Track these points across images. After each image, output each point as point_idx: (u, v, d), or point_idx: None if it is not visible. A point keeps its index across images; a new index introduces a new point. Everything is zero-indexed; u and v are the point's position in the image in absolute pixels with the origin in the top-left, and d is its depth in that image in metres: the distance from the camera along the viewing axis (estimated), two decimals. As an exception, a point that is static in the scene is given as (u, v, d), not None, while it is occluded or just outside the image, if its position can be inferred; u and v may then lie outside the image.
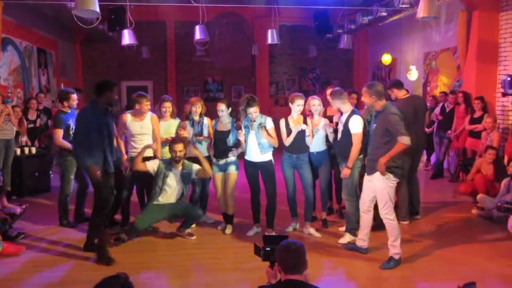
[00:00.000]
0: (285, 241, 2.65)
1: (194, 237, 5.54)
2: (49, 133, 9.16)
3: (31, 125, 8.58)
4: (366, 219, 4.90)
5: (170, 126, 5.93)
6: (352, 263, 4.80)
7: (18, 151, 7.81)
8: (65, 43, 12.78)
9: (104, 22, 10.52)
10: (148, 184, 5.68)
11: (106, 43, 13.08)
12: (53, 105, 10.18)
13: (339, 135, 5.31)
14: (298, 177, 5.61)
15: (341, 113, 5.39)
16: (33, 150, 8.11)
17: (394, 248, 4.62)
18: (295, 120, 5.52)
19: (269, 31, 9.55)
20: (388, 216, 4.63)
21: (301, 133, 5.45)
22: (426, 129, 8.58)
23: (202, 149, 5.76)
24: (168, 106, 5.94)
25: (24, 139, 8.26)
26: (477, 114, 7.99)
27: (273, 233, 5.40)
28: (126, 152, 5.75)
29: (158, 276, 4.54)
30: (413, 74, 10.77)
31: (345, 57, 14.50)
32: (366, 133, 5.13)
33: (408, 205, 6.10)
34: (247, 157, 5.52)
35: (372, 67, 13.82)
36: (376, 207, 4.79)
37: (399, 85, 6.26)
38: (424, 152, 9.17)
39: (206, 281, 4.42)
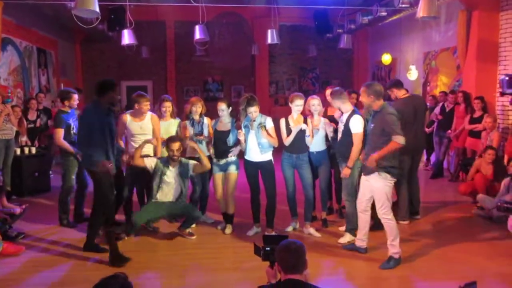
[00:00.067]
0: (285, 241, 2.65)
1: (194, 237, 5.55)
2: (49, 133, 9.18)
3: (31, 125, 8.59)
4: (363, 219, 4.91)
5: (170, 126, 5.93)
6: (352, 262, 4.80)
7: (18, 151, 7.82)
8: (65, 43, 12.78)
9: (104, 22, 10.51)
10: (148, 184, 5.67)
11: (106, 43, 13.08)
12: (53, 105, 10.17)
13: (339, 135, 5.31)
14: (298, 177, 5.61)
15: (341, 113, 5.40)
16: (33, 150, 8.12)
17: (394, 248, 4.63)
18: (295, 120, 5.53)
19: (269, 31, 9.55)
20: (385, 216, 4.64)
21: (301, 133, 5.45)
22: (426, 129, 8.58)
23: (202, 149, 5.76)
24: (168, 106, 5.94)
25: (24, 139, 8.26)
26: (477, 114, 7.99)
27: (273, 233, 5.41)
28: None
29: (158, 276, 4.54)
30: (413, 74, 10.77)
31: (345, 57, 14.50)
32: (366, 133, 5.13)
33: (408, 205, 6.10)
34: (247, 157, 5.52)
35: (372, 67, 13.82)
36: (374, 207, 4.79)
37: (398, 85, 6.26)
38: (424, 151, 9.17)
39: (206, 281, 4.42)
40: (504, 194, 6.06)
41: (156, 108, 6.11)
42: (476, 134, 7.92)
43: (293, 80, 14.97)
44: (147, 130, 5.68)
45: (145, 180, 5.71)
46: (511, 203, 5.60)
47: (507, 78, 3.39)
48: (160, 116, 5.93)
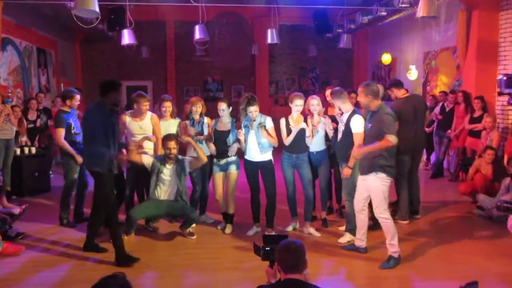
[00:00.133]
0: (285, 240, 2.64)
1: (194, 237, 5.55)
2: (49, 133, 9.19)
3: (31, 125, 8.59)
4: (361, 219, 4.91)
5: (170, 126, 5.93)
6: (352, 262, 4.81)
7: (18, 151, 7.82)
8: (65, 43, 12.78)
9: (104, 22, 10.51)
10: (149, 184, 5.67)
11: (106, 43, 13.08)
12: (52, 105, 10.16)
13: (339, 135, 5.30)
14: (298, 177, 5.61)
15: (341, 113, 5.40)
16: (33, 150, 8.12)
17: (393, 247, 4.63)
18: (295, 120, 5.53)
19: (269, 30, 9.55)
20: (382, 215, 4.65)
21: (301, 133, 5.45)
22: (426, 129, 8.59)
23: (203, 149, 5.76)
24: (168, 106, 5.94)
25: (24, 139, 8.27)
26: (477, 114, 7.99)
27: (273, 233, 5.41)
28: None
29: (158, 276, 4.54)
30: (413, 74, 10.76)
31: (345, 57, 14.50)
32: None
33: (408, 204, 6.10)
34: (247, 157, 5.52)
35: (372, 67, 13.82)
36: (371, 206, 4.80)
37: (398, 84, 6.27)
38: (424, 151, 9.18)
39: (206, 281, 4.42)
40: (504, 193, 6.06)
41: (156, 108, 6.12)
42: (476, 134, 7.92)
43: (293, 80, 14.97)
44: (147, 130, 5.69)
45: (146, 180, 5.71)
46: (511, 202, 5.60)
47: (505, 78, 3.40)
48: (160, 116, 5.93)
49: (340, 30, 11.19)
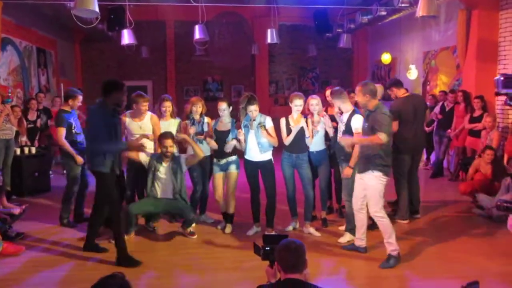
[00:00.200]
0: (285, 240, 2.64)
1: (195, 236, 5.54)
2: (49, 133, 9.18)
3: (31, 125, 8.59)
4: (360, 218, 4.91)
5: (170, 126, 5.93)
6: (352, 262, 4.81)
7: (18, 151, 7.82)
8: (65, 43, 12.78)
9: (104, 21, 10.49)
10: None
11: (106, 42, 13.07)
12: (51, 104, 10.14)
13: (340, 134, 5.30)
14: (298, 177, 5.61)
15: (341, 113, 5.40)
16: (33, 150, 8.12)
17: (391, 245, 4.63)
18: (295, 119, 5.53)
19: (269, 30, 9.55)
20: (377, 214, 4.66)
21: (301, 133, 5.45)
22: (426, 128, 8.59)
23: (203, 149, 5.77)
24: (168, 106, 5.94)
25: (24, 139, 8.27)
26: (477, 113, 7.99)
27: (273, 233, 5.41)
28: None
29: (158, 276, 4.54)
30: (413, 73, 10.77)
31: (345, 57, 14.50)
32: None
33: (408, 204, 6.10)
34: (247, 157, 5.53)
35: (372, 66, 13.82)
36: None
37: (398, 84, 6.27)
38: (424, 151, 9.18)
39: (206, 281, 4.42)
40: (504, 193, 6.06)
41: (156, 108, 6.11)
42: (476, 133, 7.93)
43: (293, 79, 14.97)
44: (147, 129, 5.69)
45: (146, 179, 5.70)
46: (510, 202, 5.60)
47: (502, 78, 3.41)
48: (160, 116, 5.93)
49: (340, 30, 11.19)
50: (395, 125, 5.91)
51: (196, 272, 4.61)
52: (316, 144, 5.60)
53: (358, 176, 4.81)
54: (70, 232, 5.77)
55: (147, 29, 12.95)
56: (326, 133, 5.63)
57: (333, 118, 5.65)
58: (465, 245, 5.28)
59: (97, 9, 5.42)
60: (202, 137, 5.75)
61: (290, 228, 5.79)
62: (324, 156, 5.71)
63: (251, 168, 5.52)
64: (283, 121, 5.58)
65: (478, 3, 8.15)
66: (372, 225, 5.27)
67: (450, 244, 5.29)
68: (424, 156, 9.59)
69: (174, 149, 5.85)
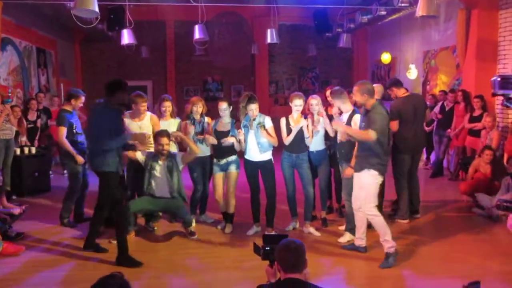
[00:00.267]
0: (285, 240, 2.64)
1: (196, 236, 5.54)
2: (49, 133, 9.18)
3: (31, 125, 8.59)
4: (360, 217, 4.91)
5: (170, 126, 5.92)
6: (352, 262, 4.81)
7: (18, 151, 7.82)
8: (65, 43, 12.78)
9: (104, 21, 10.49)
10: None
11: (106, 42, 13.07)
12: (50, 104, 10.13)
13: (339, 134, 5.30)
14: (297, 176, 5.61)
15: (341, 112, 5.40)
16: (33, 150, 8.12)
17: (387, 243, 4.64)
18: (295, 119, 5.53)
19: (269, 30, 9.55)
20: (370, 212, 4.68)
21: (301, 133, 5.44)
22: (426, 128, 8.59)
23: (203, 149, 5.77)
24: (168, 106, 5.94)
25: (23, 139, 8.27)
26: (477, 113, 7.99)
27: (273, 232, 5.41)
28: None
29: (158, 276, 4.54)
30: (413, 73, 10.77)
31: (345, 56, 14.50)
32: None
33: (408, 204, 6.10)
34: (246, 157, 5.53)
35: (372, 66, 13.82)
36: None
37: (398, 84, 6.27)
38: (424, 150, 9.18)
39: (206, 280, 4.42)
40: (504, 193, 6.07)
41: (156, 108, 6.11)
42: (475, 133, 7.93)
43: (293, 79, 14.97)
44: (147, 130, 5.67)
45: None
46: (510, 202, 5.60)
47: (499, 79, 3.40)
48: (160, 116, 5.93)
49: (339, 30, 11.18)
50: (395, 125, 5.93)
51: (196, 272, 4.62)
52: (316, 144, 5.60)
53: (355, 175, 4.82)
54: (70, 232, 5.77)
55: (147, 29, 12.95)
56: (326, 133, 5.63)
57: (331, 118, 5.65)
58: (465, 244, 5.29)
59: (97, 9, 5.42)
60: (202, 136, 5.75)
61: (290, 228, 5.79)
62: (324, 156, 5.71)
63: (251, 168, 5.52)
64: (283, 121, 5.58)
65: (478, 2, 8.15)
66: (372, 225, 5.26)
67: (450, 244, 5.29)
68: (424, 156, 9.60)
69: (174, 148, 5.86)
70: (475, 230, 5.82)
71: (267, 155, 5.48)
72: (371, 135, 4.50)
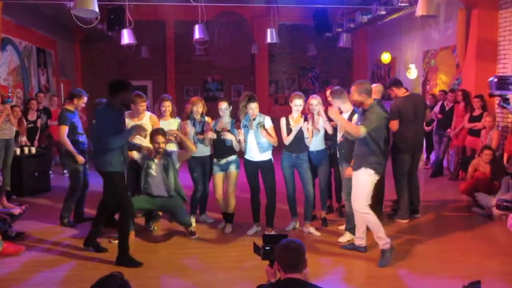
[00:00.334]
0: (285, 240, 2.64)
1: (195, 236, 5.54)
2: (49, 133, 9.19)
3: (31, 125, 8.60)
4: (360, 217, 4.91)
5: (170, 125, 5.92)
6: (352, 261, 4.81)
7: (18, 151, 7.82)
8: (65, 43, 12.78)
9: (104, 21, 10.51)
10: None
11: (106, 42, 13.08)
12: (49, 103, 10.13)
13: (339, 134, 5.30)
14: (297, 176, 5.61)
15: (341, 112, 5.39)
16: (33, 150, 8.12)
17: (381, 240, 4.65)
18: (295, 119, 5.53)
19: (269, 30, 9.55)
20: (362, 210, 4.69)
21: (301, 132, 5.45)
22: (426, 128, 8.60)
23: (203, 149, 5.77)
24: (167, 105, 5.94)
25: (23, 139, 8.27)
26: (477, 112, 8.00)
27: (273, 232, 5.41)
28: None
29: (158, 276, 4.54)
30: (413, 73, 10.77)
31: (345, 56, 14.50)
32: None
33: (408, 203, 6.11)
34: (247, 157, 5.53)
35: (372, 66, 13.82)
36: (370, 205, 4.80)
37: (398, 83, 6.27)
38: (424, 150, 9.19)
39: (207, 280, 4.42)
40: (505, 193, 6.07)
41: (156, 108, 6.11)
42: (475, 133, 7.93)
43: (293, 79, 14.97)
44: (147, 129, 5.68)
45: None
46: (510, 201, 5.60)
47: (495, 79, 3.40)
48: (160, 115, 5.94)
49: (339, 29, 11.19)
50: (395, 124, 5.93)
51: (196, 272, 4.62)
52: (316, 144, 5.60)
53: (354, 175, 4.83)
54: (70, 232, 5.77)
55: (147, 29, 12.95)
56: (326, 133, 5.63)
57: (331, 118, 5.65)
58: (465, 244, 5.29)
59: (97, 9, 5.42)
60: (202, 136, 5.75)
61: (290, 227, 5.79)
62: (324, 155, 5.71)
63: (251, 168, 5.52)
64: (283, 120, 5.58)
65: (478, 2, 8.15)
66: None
67: (450, 244, 5.29)
68: (424, 156, 9.60)
69: (175, 147, 5.85)
70: (475, 229, 5.83)
71: (267, 155, 5.48)
72: (361, 130, 4.53)
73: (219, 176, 5.70)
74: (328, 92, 5.94)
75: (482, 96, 7.95)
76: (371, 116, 4.57)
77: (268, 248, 2.80)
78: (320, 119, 5.52)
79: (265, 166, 5.47)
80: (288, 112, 5.65)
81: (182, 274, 4.58)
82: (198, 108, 5.80)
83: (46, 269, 4.67)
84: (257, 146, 5.39)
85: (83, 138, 6.00)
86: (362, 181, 4.69)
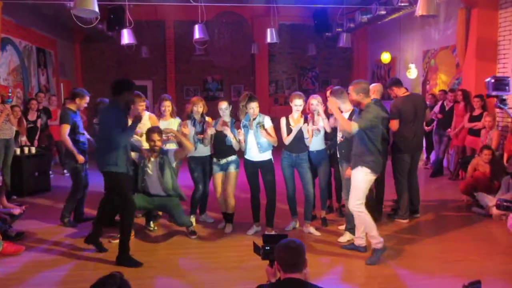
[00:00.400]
0: (285, 239, 2.64)
1: (195, 236, 5.54)
2: (49, 133, 9.19)
3: (31, 125, 8.60)
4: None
5: (170, 125, 5.92)
6: (352, 261, 4.81)
7: (18, 151, 7.82)
8: (64, 43, 12.78)
9: (103, 21, 10.52)
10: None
11: (106, 42, 13.09)
12: (48, 103, 10.12)
13: (339, 134, 5.30)
14: (297, 176, 5.61)
15: (341, 112, 5.39)
16: (33, 150, 8.12)
17: (374, 239, 4.66)
18: (295, 119, 5.53)
19: (268, 30, 9.55)
20: (356, 208, 4.70)
21: (301, 132, 5.44)
22: (426, 128, 8.60)
23: (203, 149, 5.77)
24: (167, 105, 5.94)
25: (23, 139, 8.27)
26: (477, 112, 8.00)
27: (273, 232, 5.41)
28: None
29: (158, 276, 4.54)
30: (412, 72, 10.77)
31: (345, 56, 14.51)
32: None
33: (408, 203, 6.11)
34: (246, 156, 5.53)
35: (372, 66, 13.82)
36: (367, 205, 4.80)
37: (398, 83, 6.27)
38: (424, 150, 9.19)
39: (207, 280, 4.42)
40: (505, 192, 6.07)
41: (156, 108, 6.11)
42: (475, 133, 7.93)
43: (293, 79, 14.97)
44: (146, 129, 5.68)
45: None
46: (510, 201, 5.60)
47: (492, 80, 3.41)
48: (160, 115, 5.93)
49: (339, 29, 11.20)
50: (395, 124, 5.93)
51: (196, 272, 4.62)
52: (316, 143, 5.60)
53: (352, 174, 4.83)
54: (70, 232, 5.77)
55: (147, 29, 12.94)
56: (326, 133, 5.63)
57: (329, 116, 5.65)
58: (465, 244, 5.29)
59: (96, 9, 5.42)
60: (203, 136, 5.74)
61: (290, 227, 5.79)
62: (324, 155, 5.71)
63: (251, 168, 5.52)
64: (283, 120, 5.58)
65: (478, 2, 8.16)
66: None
67: (450, 243, 5.30)
68: (424, 156, 9.60)
69: (174, 146, 5.85)
70: (475, 229, 5.83)
71: (267, 155, 5.48)
72: (353, 126, 4.56)
73: (219, 176, 5.71)
74: (328, 92, 5.94)
75: (482, 95, 7.95)
76: (365, 114, 4.60)
77: (268, 248, 2.80)
78: (320, 119, 5.52)
79: (265, 166, 5.47)
80: (288, 112, 5.65)
81: (182, 274, 4.58)
82: (199, 108, 5.80)
83: (46, 269, 4.67)
84: (257, 146, 5.39)
85: (84, 138, 6.00)
86: (358, 180, 4.71)
